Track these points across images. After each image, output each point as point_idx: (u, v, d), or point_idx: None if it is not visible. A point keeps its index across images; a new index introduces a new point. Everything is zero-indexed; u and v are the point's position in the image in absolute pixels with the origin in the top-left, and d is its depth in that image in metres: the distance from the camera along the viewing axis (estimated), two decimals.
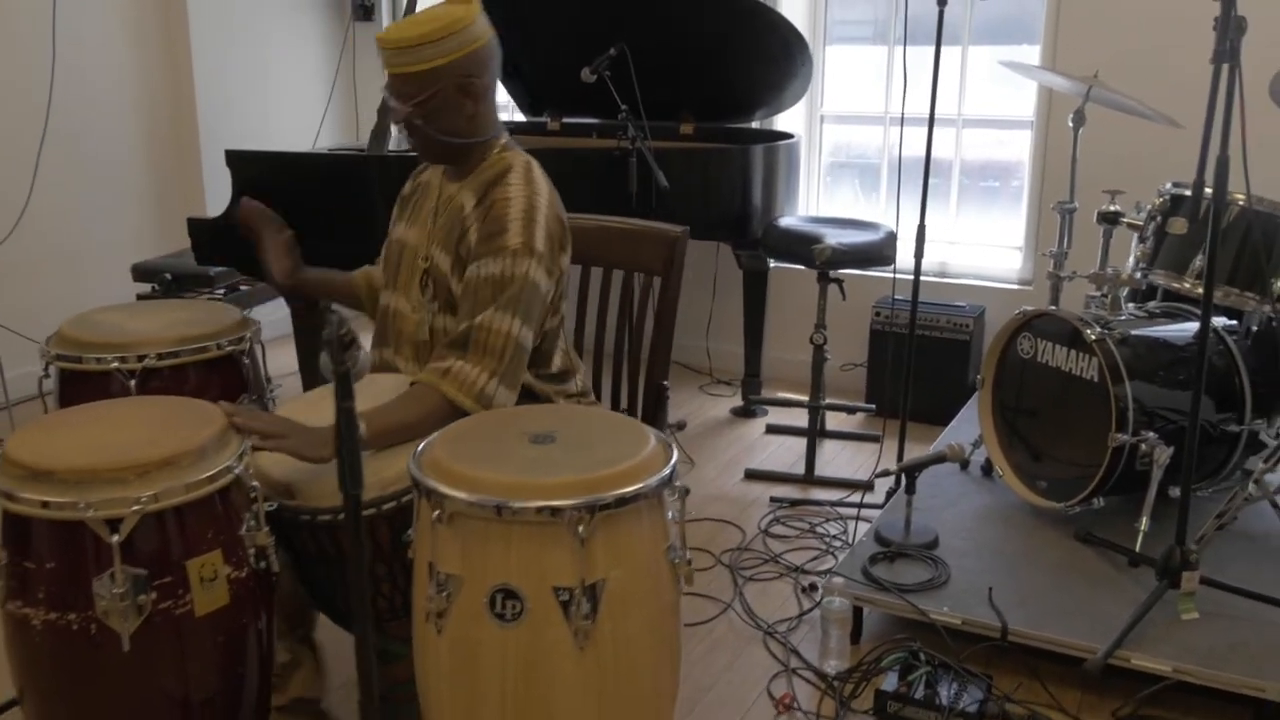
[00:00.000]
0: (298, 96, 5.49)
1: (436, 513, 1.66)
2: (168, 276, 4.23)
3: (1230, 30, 2.26)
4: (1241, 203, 2.87)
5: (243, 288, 4.31)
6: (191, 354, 2.31)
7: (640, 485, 1.68)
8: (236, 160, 3.65)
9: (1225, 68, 2.28)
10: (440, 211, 2.26)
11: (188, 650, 1.74)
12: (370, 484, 1.89)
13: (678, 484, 1.77)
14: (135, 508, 1.63)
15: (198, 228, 3.74)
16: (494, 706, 1.68)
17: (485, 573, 1.65)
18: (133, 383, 2.24)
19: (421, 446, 1.81)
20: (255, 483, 1.81)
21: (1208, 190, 2.45)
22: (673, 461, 1.76)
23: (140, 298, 4.19)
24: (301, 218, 3.61)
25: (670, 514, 1.78)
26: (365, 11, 5.64)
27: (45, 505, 1.65)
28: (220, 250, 3.78)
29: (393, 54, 2.08)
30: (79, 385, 2.29)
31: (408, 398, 2.05)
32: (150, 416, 1.88)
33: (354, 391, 1.27)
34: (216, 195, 4.95)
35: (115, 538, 1.62)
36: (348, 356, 1.29)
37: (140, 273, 4.32)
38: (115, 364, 2.24)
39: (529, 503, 1.62)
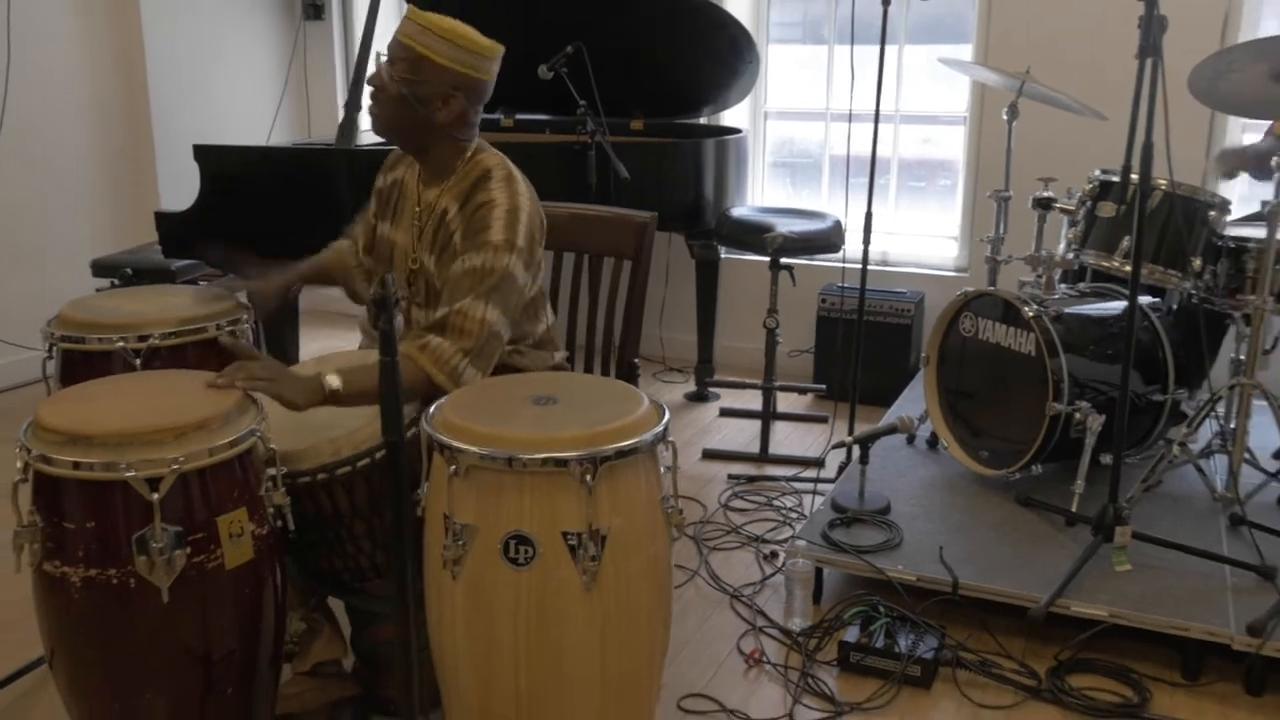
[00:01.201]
0: (250, 94, 5.57)
1: (452, 468, 1.81)
2: (128, 271, 4.29)
3: (1153, 28, 2.48)
4: (1164, 187, 3.10)
5: (201, 283, 4.38)
6: (193, 334, 2.41)
7: (638, 439, 1.85)
8: (205, 154, 3.75)
9: (1149, 62, 2.50)
10: (424, 219, 2.39)
11: (218, 602, 1.87)
12: (345, 443, 2.05)
13: (670, 440, 1.93)
14: (174, 467, 1.75)
15: (166, 221, 3.82)
16: (508, 645, 1.83)
17: (499, 521, 1.80)
18: (138, 361, 2.34)
19: (432, 409, 1.95)
20: (274, 446, 1.94)
21: (1135, 175, 2.67)
22: (665, 419, 1.93)
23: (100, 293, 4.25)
24: (269, 210, 3.74)
25: (663, 468, 1.95)
26: (315, 11, 5.72)
27: (77, 466, 1.76)
28: (188, 244, 3.87)
29: (414, 27, 2.24)
30: (82, 366, 2.37)
31: None
32: (172, 387, 2.00)
33: (397, 348, 1.41)
34: (171, 191, 5.02)
35: (155, 496, 1.74)
36: (391, 316, 1.43)
37: (100, 268, 4.37)
38: (120, 343, 2.34)
39: (538, 454, 1.78)
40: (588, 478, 1.77)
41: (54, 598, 1.84)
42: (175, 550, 1.78)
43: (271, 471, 1.95)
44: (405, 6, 4.72)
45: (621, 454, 1.82)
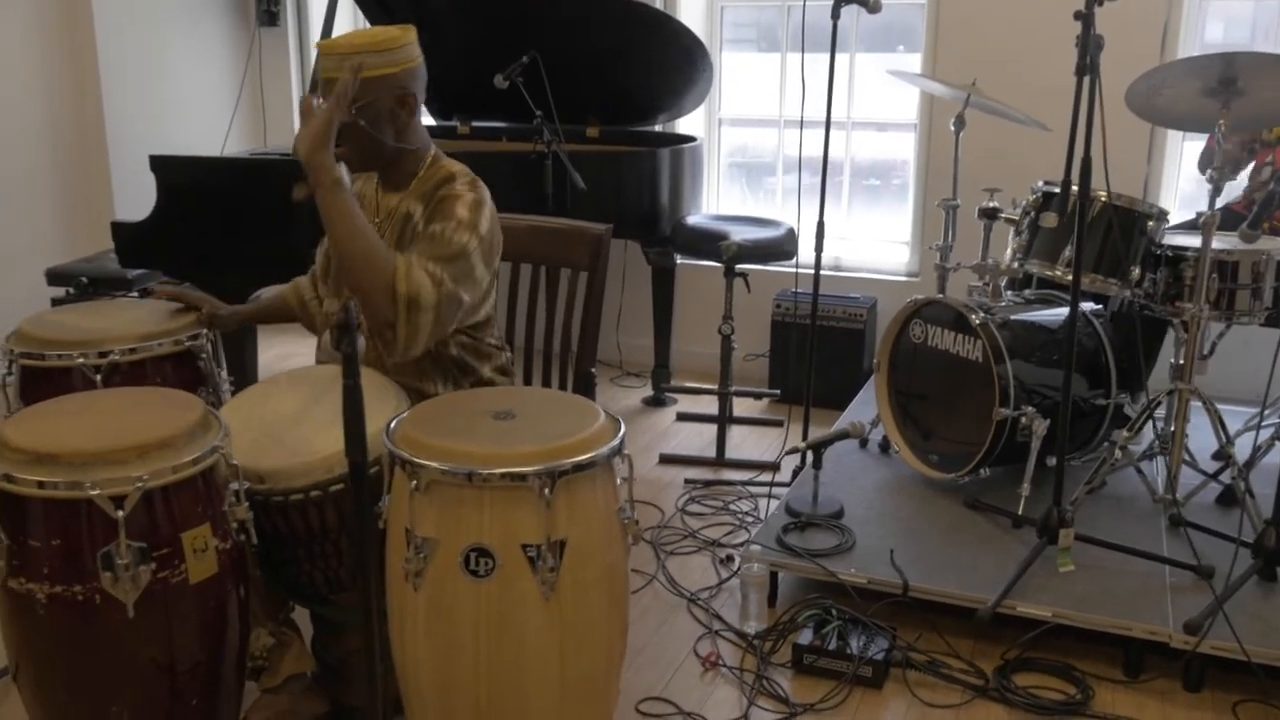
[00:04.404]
0: (205, 101, 5.55)
1: (414, 483, 1.85)
2: (84, 280, 4.29)
3: (1090, 47, 2.56)
4: (1104, 199, 3.19)
5: (159, 284, 4.38)
6: (153, 349, 2.44)
7: (594, 453, 1.90)
8: (162, 165, 3.75)
9: (1086, 79, 2.59)
10: (385, 224, 2.42)
11: (182, 616, 1.90)
12: (317, 467, 2.07)
13: (626, 453, 1.99)
14: (137, 485, 1.79)
15: (123, 232, 3.83)
16: (469, 655, 1.88)
17: (460, 534, 1.85)
18: (98, 377, 2.36)
19: (394, 424, 1.99)
20: (235, 461, 1.97)
21: (1075, 188, 2.77)
22: (621, 433, 1.98)
23: (55, 302, 4.24)
24: (226, 220, 3.76)
25: (619, 479, 2.00)
26: (270, 17, 5.71)
27: (42, 485, 1.79)
28: (145, 253, 3.88)
29: (336, 59, 2.23)
30: (42, 382, 2.39)
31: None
32: (135, 404, 2.03)
33: (359, 371, 1.46)
34: (126, 200, 4.99)
35: (120, 513, 1.77)
36: (354, 340, 1.47)
37: (55, 277, 4.36)
38: (80, 360, 2.36)
39: (497, 469, 1.83)
40: (546, 491, 1.83)
41: (19, 613, 1.87)
42: (140, 566, 1.81)
43: (235, 486, 1.98)
44: (360, 13, 4.75)
45: (579, 468, 1.87)
